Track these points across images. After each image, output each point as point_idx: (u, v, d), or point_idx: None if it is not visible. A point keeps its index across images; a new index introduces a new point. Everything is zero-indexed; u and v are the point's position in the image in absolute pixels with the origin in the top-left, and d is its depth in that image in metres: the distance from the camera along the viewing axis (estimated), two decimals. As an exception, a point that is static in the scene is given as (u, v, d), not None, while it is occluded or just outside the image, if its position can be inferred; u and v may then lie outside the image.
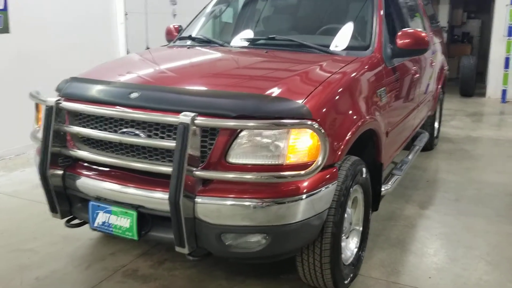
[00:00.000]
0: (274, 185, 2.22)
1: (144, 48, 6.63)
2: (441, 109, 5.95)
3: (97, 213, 2.45)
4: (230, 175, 2.20)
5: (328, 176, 2.37)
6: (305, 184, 2.25)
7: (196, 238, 2.28)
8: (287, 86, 2.49)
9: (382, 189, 3.41)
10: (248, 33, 3.78)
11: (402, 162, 4.01)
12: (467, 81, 9.51)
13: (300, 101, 2.31)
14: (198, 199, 2.21)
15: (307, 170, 2.17)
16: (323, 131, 2.18)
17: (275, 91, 2.40)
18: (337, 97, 2.53)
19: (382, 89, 3.10)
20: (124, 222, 2.37)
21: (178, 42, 3.81)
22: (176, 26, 4.11)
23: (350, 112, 2.60)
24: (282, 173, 2.20)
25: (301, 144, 2.26)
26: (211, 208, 2.21)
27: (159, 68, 2.90)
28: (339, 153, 2.46)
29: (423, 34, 3.30)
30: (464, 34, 12.61)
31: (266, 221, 2.22)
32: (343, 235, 2.76)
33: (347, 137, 2.51)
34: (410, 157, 4.17)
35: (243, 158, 2.25)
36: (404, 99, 3.67)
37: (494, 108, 8.69)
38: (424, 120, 4.94)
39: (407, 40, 3.27)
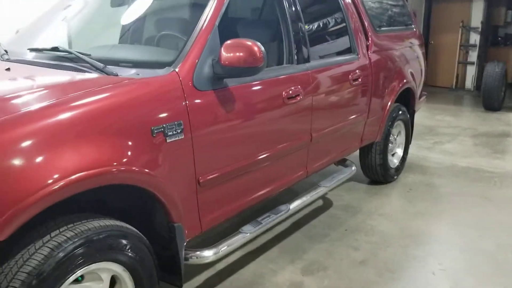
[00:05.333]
0: None
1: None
2: (407, 131, 4.77)
3: None
4: None
5: None
6: None
7: None
8: None
9: (207, 255, 2.54)
10: (45, 40, 2.94)
11: (274, 211, 2.99)
12: (491, 92, 8.00)
13: None
14: None
15: None
16: None
17: None
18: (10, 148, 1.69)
19: (174, 123, 2.19)
20: None
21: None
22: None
23: (40, 166, 1.72)
24: None
25: None
26: None
27: None
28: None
29: (256, 48, 2.33)
30: (508, 35, 10.88)
31: None
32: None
33: (25, 211, 1.66)
34: (292, 205, 3.10)
35: None
36: (256, 132, 2.70)
37: (516, 127, 7.21)
38: (352, 150, 3.89)
39: (230, 54, 2.33)
